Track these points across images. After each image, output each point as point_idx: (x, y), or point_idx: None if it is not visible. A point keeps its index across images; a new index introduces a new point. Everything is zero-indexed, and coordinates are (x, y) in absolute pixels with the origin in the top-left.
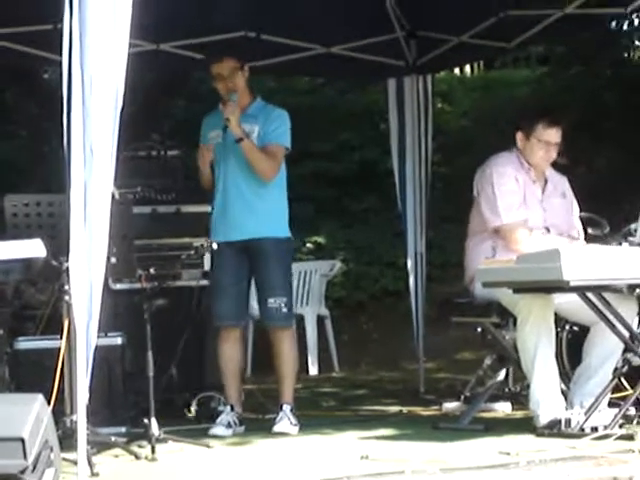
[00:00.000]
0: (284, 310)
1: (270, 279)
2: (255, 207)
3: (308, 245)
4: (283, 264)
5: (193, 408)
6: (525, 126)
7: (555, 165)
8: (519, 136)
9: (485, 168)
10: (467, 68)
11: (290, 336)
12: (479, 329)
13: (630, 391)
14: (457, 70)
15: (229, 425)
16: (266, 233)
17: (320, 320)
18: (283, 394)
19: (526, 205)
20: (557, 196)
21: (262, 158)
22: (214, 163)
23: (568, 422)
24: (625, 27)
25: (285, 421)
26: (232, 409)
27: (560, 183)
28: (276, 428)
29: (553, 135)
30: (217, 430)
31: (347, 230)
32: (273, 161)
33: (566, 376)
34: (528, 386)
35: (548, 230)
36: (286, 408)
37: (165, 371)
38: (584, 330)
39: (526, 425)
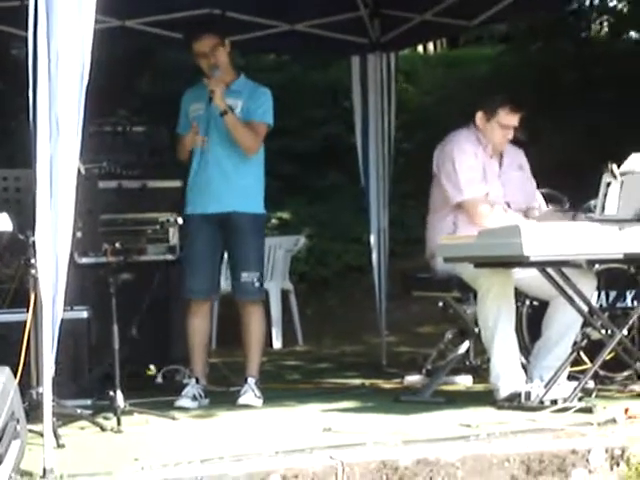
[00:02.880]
0: (256, 285)
1: (245, 254)
2: (234, 181)
3: (273, 221)
4: (258, 239)
5: (158, 379)
6: (487, 108)
7: (514, 140)
8: (479, 116)
9: (444, 144)
10: (430, 46)
11: (260, 311)
12: (440, 303)
13: (589, 365)
14: (420, 48)
15: (194, 398)
16: (243, 208)
17: (284, 294)
18: (249, 367)
19: (486, 180)
20: (514, 169)
21: (245, 132)
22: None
23: (528, 395)
24: (586, 5)
25: (249, 394)
26: (197, 382)
27: (516, 156)
28: (240, 400)
29: (514, 120)
30: (183, 402)
31: (311, 206)
32: (256, 136)
33: (526, 350)
34: (488, 360)
35: (508, 205)
36: (251, 381)
37: (130, 344)
38: (544, 305)
39: (486, 398)
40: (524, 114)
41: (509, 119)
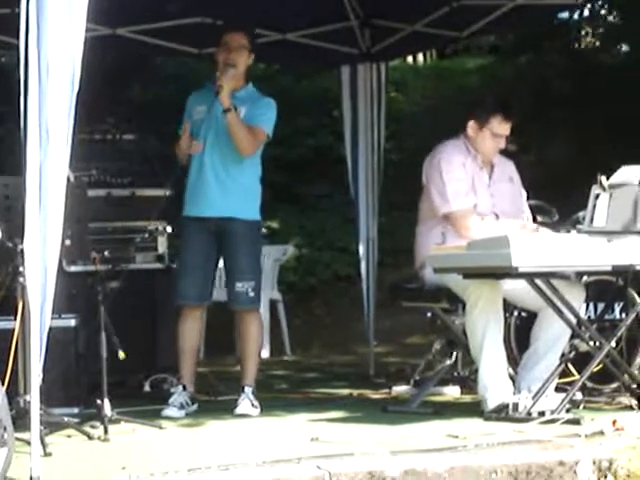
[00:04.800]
0: (251, 294)
1: (239, 263)
2: (229, 186)
3: (262, 230)
4: (252, 248)
5: (146, 387)
6: (480, 117)
7: (504, 152)
8: (472, 125)
9: (433, 156)
10: (420, 57)
11: (256, 320)
12: (429, 314)
13: (577, 376)
14: (410, 59)
15: (181, 406)
16: (238, 213)
17: (273, 304)
18: (245, 376)
19: (474, 191)
20: (504, 181)
21: (245, 132)
22: (194, 138)
23: (515, 406)
24: (576, 17)
25: (246, 402)
26: (184, 389)
27: (507, 168)
28: (238, 410)
29: (506, 129)
30: (170, 412)
31: (300, 215)
32: (254, 139)
33: (514, 361)
34: (477, 370)
35: (497, 216)
36: (248, 390)
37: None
38: (532, 316)
39: (474, 409)
40: (513, 123)
41: (501, 128)
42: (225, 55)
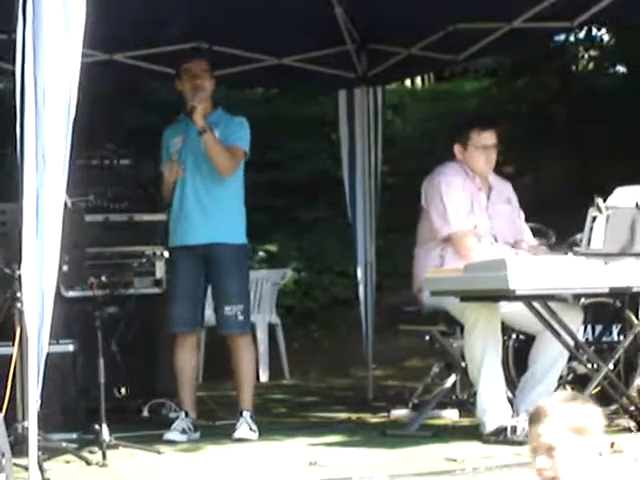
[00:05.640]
0: (240, 318)
1: (226, 287)
2: (212, 212)
3: (260, 253)
4: (239, 271)
5: (144, 412)
6: (460, 137)
7: (501, 174)
8: (457, 148)
9: (432, 177)
10: (418, 80)
11: (247, 343)
12: (427, 337)
13: None
14: (408, 82)
15: (184, 431)
16: (222, 238)
17: (271, 328)
18: (242, 401)
19: (473, 213)
20: (502, 202)
21: (222, 152)
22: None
23: (514, 429)
24: (572, 40)
25: (245, 427)
26: (187, 415)
27: (504, 189)
28: (236, 434)
29: (488, 138)
30: (172, 435)
31: (299, 239)
32: (232, 157)
33: (512, 384)
34: (475, 394)
35: (495, 238)
36: (246, 414)
37: (117, 379)
38: (530, 338)
39: (473, 432)
40: (506, 145)
41: (483, 138)
42: (191, 82)
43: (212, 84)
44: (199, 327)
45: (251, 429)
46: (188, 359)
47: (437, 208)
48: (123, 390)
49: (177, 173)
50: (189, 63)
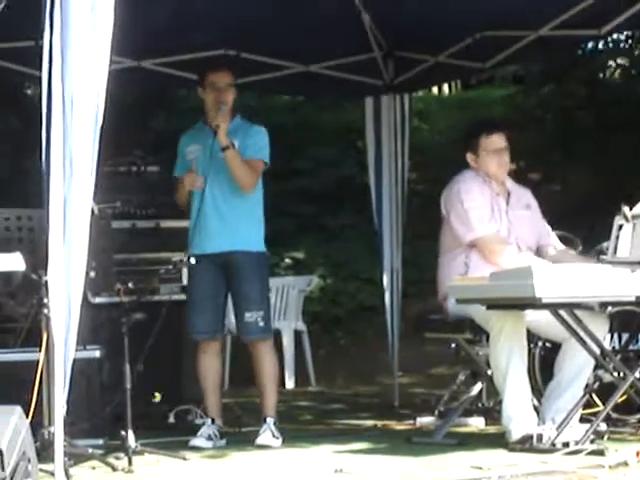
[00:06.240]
0: (260, 324)
1: (245, 293)
2: (230, 220)
3: (287, 260)
4: (258, 278)
5: (170, 419)
6: (470, 145)
7: (527, 182)
8: (470, 157)
9: (451, 187)
10: (445, 87)
11: (269, 349)
12: (453, 345)
13: (601, 407)
14: (435, 89)
15: (209, 438)
16: (240, 246)
17: (297, 335)
18: (266, 407)
19: (494, 218)
20: (521, 208)
21: (244, 168)
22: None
23: (540, 437)
24: (600, 47)
25: (268, 434)
26: (213, 422)
27: (523, 196)
28: (259, 441)
29: (497, 141)
30: (198, 442)
31: (325, 246)
32: (253, 172)
33: (538, 392)
34: (501, 401)
35: (517, 244)
36: (269, 421)
37: (142, 384)
38: (556, 346)
39: (499, 440)
40: (506, 134)
41: (492, 142)
42: (215, 95)
43: (233, 96)
44: (220, 334)
45: (274, 436)
46: (211, 366)
47: (459, 216)
48: (157, 395)
49: (196, 185)
50: (214, 75)
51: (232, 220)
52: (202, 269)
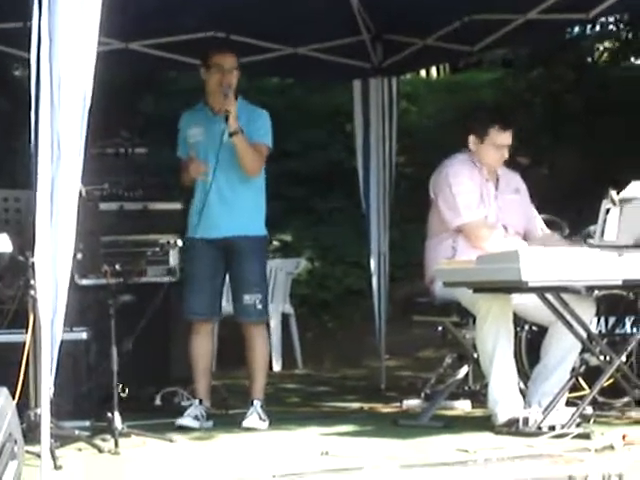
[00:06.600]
0: (259, 307)
1: (246, 276)
2: (234, 205)
3: (275, 243)
4: (259, 261)
5: (157, 401)
6: (478, 130)
7: (515, 165)
8: (472, 140)
9: (440, 170)
10: (433, 70)
11: (263, 333)
12: (440, 328)
13: (587, 391)
14: (424, 72)
15: (196, 418)
16: (243, 231)
17: (285, 317)
18: (254, 389)
19: (483, 203)
20: (510, 192)
21: (252, 153)
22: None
23: (526, 421)
24: (588, 32)
25: (254, 416)
26: (200, 402)
27: (512, 180)
28: (245, 423)
29: (507, 138)
30: (185, 421)
31: (313, 229)
32: (260, 157)
33: (525, 375)
34: (487, 385)
35: (505, 228)
36: (257, 404)
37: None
38: (543, 330)
39: (485, 423)
40: (522, 137)
41: (501, 138)
42: (219, 77)
43: (237, 79)
44: (216, 316)
45: (261, 418)
46: (205, 347)
47: (447, 200)
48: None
49: (200, 171)
50: (220, 57)
51: (236, 207)
52: (202, 251)
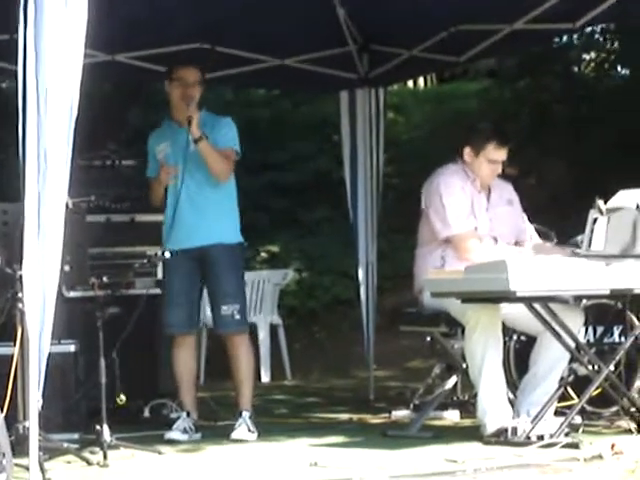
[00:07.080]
0: (237, 317)
1: (222, 287)
2: (206, 213)
3: (262, 254)
4: (234, 271)
5: (145, 413)
6: (475, 143)
7: (503, 175)
8: (467, 152)
9: (432, 180)
10: (420, 81)
11: (245, 342)
12: (428, 338)
13: (576, 400)
14: (411, 83)
15: (185, 431)
16: (217, 239)
17: (273, 328)
18: (241, 401)
19: (474, 215)
20: (503, 204)
21: (219, 158)
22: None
23: (515, 430)
24: (574, 42)
25: (243, 428)
26: (188, 415)
27: (504, 191)
28: (234, 435)
29: (502, 155)
30: (173, 435)
31: (301, 240)
32: (227, 162)
33: (513, 385)
34: (476, 395)
35: (495, 240)
36: (245, 415)
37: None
38: (531, 340)
39: (474, 433)
40: (511, 148)
41: (497, 154)
42: (182, 90)
43: (200, 92)
44: (195, 328)
45: (249, 430)
46: (187, 360)
47: (437, 210)
48: (123, 398)
49: (171, 174)
50: (183, 70)
51: (208, 213)
52: (177, 263)
